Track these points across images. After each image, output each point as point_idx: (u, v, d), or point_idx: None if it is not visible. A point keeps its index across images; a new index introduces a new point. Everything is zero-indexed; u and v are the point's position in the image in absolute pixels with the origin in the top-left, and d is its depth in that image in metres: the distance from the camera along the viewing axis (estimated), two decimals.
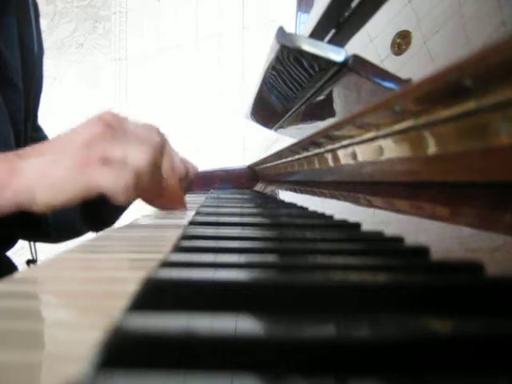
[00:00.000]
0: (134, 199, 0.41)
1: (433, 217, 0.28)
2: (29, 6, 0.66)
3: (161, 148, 0.44)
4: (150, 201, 0.51)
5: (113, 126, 0.42)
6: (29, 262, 0.69)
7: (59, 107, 2.35)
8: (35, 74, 0.68)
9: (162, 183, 0.49)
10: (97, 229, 0.66)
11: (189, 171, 0.66)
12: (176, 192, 0.53)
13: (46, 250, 0.69)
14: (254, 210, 0.54)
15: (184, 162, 0.66)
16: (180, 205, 0.55)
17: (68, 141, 0.41)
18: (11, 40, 0.61)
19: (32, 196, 0.40)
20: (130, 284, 0.17)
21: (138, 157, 0.41)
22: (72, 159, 0.39)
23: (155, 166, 0.43)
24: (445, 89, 0.23)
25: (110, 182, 0.39)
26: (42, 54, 0.71)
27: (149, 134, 0.44)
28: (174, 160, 0.58)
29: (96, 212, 0.63)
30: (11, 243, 0.66)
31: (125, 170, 0.40)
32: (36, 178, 0.40)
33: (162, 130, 0.50)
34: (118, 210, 0.65)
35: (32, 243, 0.71)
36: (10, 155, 0.41)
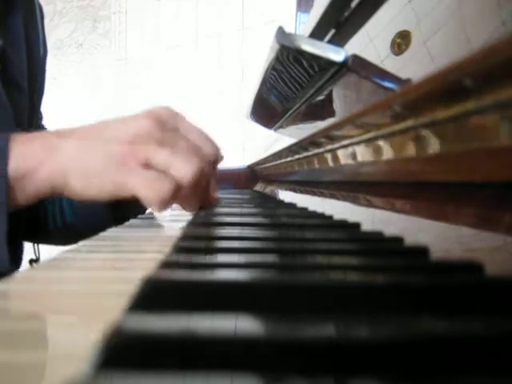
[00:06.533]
0: (167, 208, 0.38)
1: (433, 217, 0.28)
2: (35, 8, 0.67)
3: (212, 159, 0.40)
4: (185, 207, 0.46)
5: (165, 125, 0.38)
6: (31, 262, 0.69)
7: (59, 107, 2.35)
8: (40, 74, 0.68)
9: (208, 193, 0.45)
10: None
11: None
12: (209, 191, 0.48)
13: (45, 251, 0.69)
14: (254, 210, 0.54)
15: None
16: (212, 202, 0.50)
17: (113, 130, 0.38)
18: (17, 41, 0.61)
19: (65, 180, 0.37)
20: (130, 284, 0.17)
21: (182, 169, 0.37)
22: (112, 152, 0.36)
23: (200, 180, 0.39)
24: (445, 89, 0.23)
25: (144, 188, 0.36)
26: (46, 55, 0.71)
27: (202, 143, 0.40)
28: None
29: (126, 207, 0.60)
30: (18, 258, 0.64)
31: (164, 180, 0.36)
32: (72, 161, 0.37)
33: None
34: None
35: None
36: (49, 133, 0.39)
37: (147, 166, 0.37)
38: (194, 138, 0.40)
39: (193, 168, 0.37)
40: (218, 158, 0.43)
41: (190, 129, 0.41)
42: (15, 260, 0.61)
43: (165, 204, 0.37)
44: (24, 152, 0.38)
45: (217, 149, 0.42)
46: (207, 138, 0.42)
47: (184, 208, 0.45)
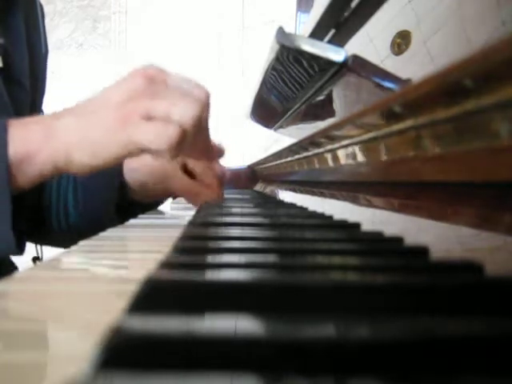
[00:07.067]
0: (178, 156, 0.39)
1: (433, 217, 0.28)
2: (36, 7, 0.67)
3: (206, 103, 0.42)
4: (196, 159, 0.47)
5: (155, 80, 0.39)
6: (35, 259, 0.69)
7: (59, 107, 2.35)
8: (41, 73, 0.68)
9: (209, 140, 0.46)
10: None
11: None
12: (213, 181, 0.50)
13: (47, 249, 0.69)
14: (254, 210, 0.54)
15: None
16: (217, 195, 0.52)
17: (107, 97, 0.39)
18: (19, 39, 0.61)
19: (69, 157, 0.38)
20: (130, 284, 0.17)
21: (182, 111, 0.38)
22: (111, 116, 0.38)
23: (201, 121, 0.40)
24: (444, 89, 0.23)
25: (152, 138, 0.37)
26: (47, 53, 0.71)
27: (194, 89, 0.41)
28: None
29: (132, 207, 0.60)
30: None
31: (168, 125, 0.37)
32: (73, 137, 0.38)
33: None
34: (154, 203, 0.64)
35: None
36: (46, 116, 0.40)
37: (147, 117, 0.38)
38: (184, 86, 0.41)
39: (193, 111, 0.39)
40: (209, 101, 0.44)
41: (179, 79, 0.42)
42: (20, 245, 0.61)
43: (174, 150, 0.38)
44: (21, 137, 0.38)
45: (207, 92, 0.43)
46: (196, 84, 0.43)
47: (191, 157, 0.46)
